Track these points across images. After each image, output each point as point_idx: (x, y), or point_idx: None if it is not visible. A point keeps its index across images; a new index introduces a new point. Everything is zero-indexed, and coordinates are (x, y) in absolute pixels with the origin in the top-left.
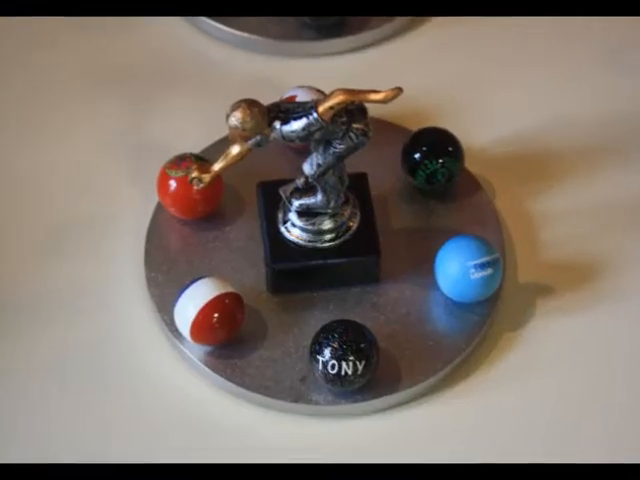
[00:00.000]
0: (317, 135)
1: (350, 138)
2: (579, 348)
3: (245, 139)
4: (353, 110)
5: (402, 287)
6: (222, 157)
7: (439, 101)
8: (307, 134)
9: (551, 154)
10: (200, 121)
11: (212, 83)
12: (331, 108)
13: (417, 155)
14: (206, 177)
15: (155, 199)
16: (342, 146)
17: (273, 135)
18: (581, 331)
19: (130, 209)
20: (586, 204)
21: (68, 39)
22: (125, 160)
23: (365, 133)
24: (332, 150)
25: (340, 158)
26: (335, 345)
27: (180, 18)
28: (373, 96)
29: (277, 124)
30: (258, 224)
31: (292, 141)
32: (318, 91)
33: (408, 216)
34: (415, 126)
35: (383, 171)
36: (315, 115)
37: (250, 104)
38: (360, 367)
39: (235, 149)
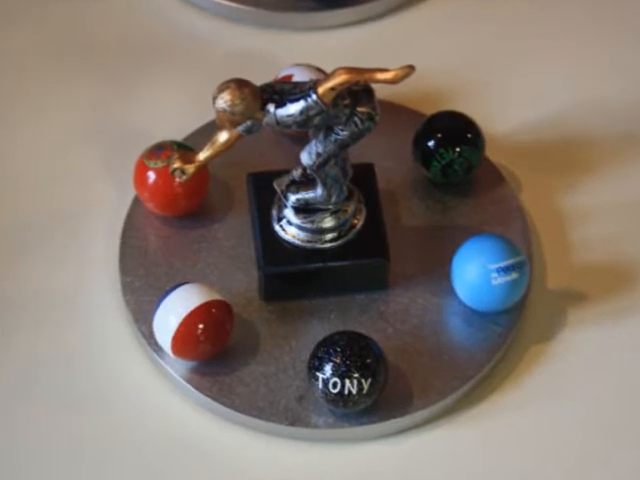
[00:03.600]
0: (317, 120)
1: (354, 123)
2: (615, 363)
3: (234, 124)
4: (358, 91)
5: (414, 294)
6: (208, 145)
7: (456, 81)
8: (305, 119)
9: (583, 142)
10: (183, 104)
11: (197, 60)
12: (332, 89)
13: (431, 143)
14: (190, 168)
15: (132, 193)
16: (345, 133)
17: (266, 120)
18: (617, 344)
19: (103, 204)
20: (623, 200)
21: (33, 9)
22: (97, 148)
23: (371, 118)
24: (334, 137)
25: (343, 146)
26: (337, 360)
27: None
28: (381, 75)
29: (271, 107)
30: (249, 222)
31: (288, 127)
32: (318, 70)
33: (421, 213)
34: (429, 110)
35: (392, 161)
36: (314, 97)
37: (240, 84)
38: (366, 385)
39: (223, 136)
